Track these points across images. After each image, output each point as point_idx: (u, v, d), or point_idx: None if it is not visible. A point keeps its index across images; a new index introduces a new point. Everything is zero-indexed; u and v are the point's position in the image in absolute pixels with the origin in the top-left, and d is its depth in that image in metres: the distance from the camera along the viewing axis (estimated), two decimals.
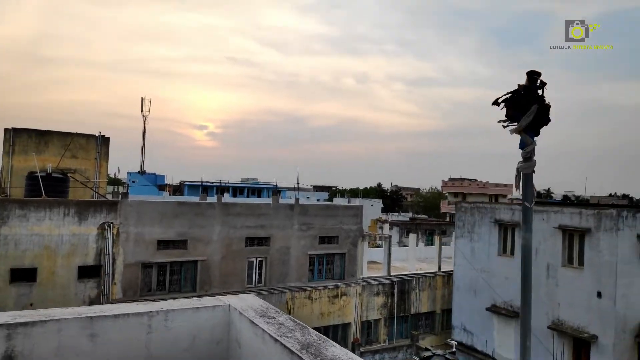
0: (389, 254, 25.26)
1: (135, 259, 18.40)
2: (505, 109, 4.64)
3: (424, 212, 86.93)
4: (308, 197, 60.75)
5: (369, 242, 26.24)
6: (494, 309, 21.94)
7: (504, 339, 21.56)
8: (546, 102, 4.45)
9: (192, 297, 19.41)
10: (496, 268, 22.17)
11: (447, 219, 66.88)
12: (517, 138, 4.50)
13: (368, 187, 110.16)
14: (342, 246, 23.38)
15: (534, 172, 4.61)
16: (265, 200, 34.65)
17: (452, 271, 25.61)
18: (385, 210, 71.08)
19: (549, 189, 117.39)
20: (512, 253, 21.55)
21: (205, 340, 3.36)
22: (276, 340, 2.69)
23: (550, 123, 4.51)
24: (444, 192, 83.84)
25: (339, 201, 53.58)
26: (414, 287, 25.98)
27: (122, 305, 3.33)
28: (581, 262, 18.49)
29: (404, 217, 66.18)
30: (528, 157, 4.55)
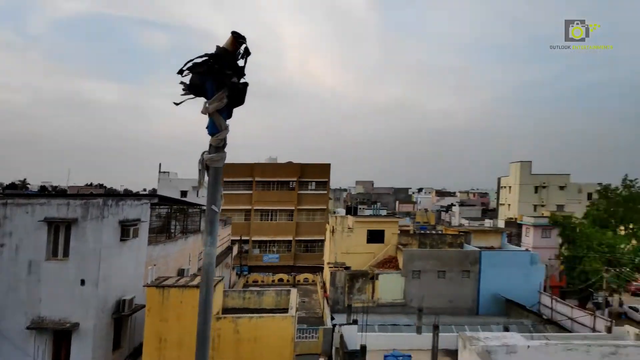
0: None
1: None
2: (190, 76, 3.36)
3: None
4: None
5: None
6: None
7: None
8: (245, 77, 3.41)
9: None
10: None
11: None
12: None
13: None
14: None
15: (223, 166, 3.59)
16: None
17: None
18: None
19: (25, 179, 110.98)
20: None
21: None
22: None
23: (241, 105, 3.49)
24: None
25: None
26: None
27: None
28: (67, 254, 18.26)
29: None
30: (221, 147, 3.46)
